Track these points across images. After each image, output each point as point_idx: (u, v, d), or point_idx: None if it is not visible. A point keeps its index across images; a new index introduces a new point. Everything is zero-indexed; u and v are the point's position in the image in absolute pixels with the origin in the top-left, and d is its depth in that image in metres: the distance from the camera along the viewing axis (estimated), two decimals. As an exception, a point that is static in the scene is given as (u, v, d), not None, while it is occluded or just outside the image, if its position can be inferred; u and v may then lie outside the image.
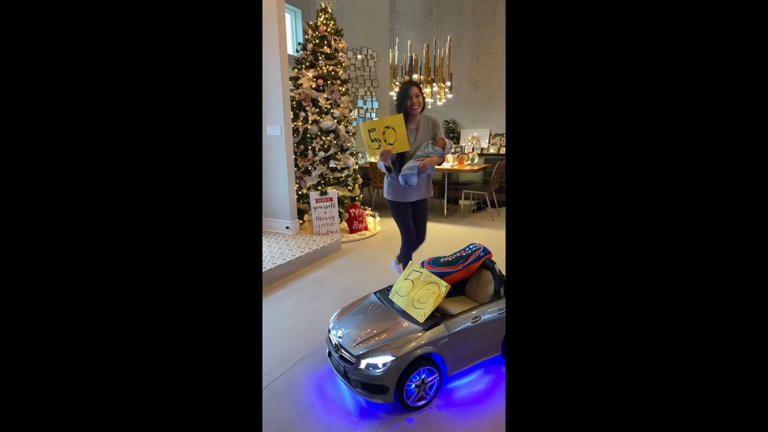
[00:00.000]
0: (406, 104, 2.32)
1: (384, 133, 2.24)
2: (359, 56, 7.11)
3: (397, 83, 5.92)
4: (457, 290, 2.11)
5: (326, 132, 4.17)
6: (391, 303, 1.91)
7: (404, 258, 2.64)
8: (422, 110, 2.44)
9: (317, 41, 4.17)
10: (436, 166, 2.53)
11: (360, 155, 5.31)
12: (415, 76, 5.66)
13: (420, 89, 2.38)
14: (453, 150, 2.54)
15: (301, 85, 4.12)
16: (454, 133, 7.11)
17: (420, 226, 2.68)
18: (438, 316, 1.78)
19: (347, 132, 4.36)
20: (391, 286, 2.04)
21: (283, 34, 3.61)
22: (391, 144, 2.25)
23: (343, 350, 1.70)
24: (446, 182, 5.34)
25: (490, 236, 4.17)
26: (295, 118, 4.09)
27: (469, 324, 1.76)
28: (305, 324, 2.38)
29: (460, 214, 5.26)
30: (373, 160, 2.79)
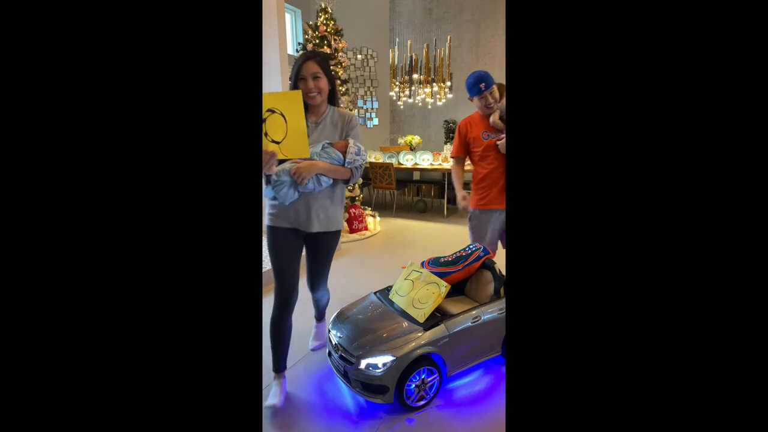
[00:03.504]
0: (299, 89, 1.46)
1: (265, 121, 1.36)
2: (359, 56, 7.11)
3: (397, 83, 5.92)
4: (457, 290, 2.11)
5: (326, 132, 4.15)
6: (391, 303, 1.91)
7: (272, 325, 1.62)
8: (331, 101, 1.60)
9: (317, 41, 4.16)
10: (340, 180, 1.57)
11: None
12: (415, 76, 5.66)
13: (323, 66, 1.49)
14: (364, 158, 1.57)
15: (301, 85, 4.11)
16: (453, 133, 7.11)
17: (316, 276, 1.75)
18: (438, 316, 1.78)
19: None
20: (391, 286, 2.04)
21: (283, 34, 3.61)
22: (277, 142, 1.34)
23: (343, 350, 1.70)
24: (446, 182, 5.34)
25: (490, 236, 4.16)
26: (295, 118, 4.07)
27: (469, 324, 1.76)
28: (305, 324, 2.38)
29: (460, 214, 5.26)
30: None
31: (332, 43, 4.22)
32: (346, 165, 1.51)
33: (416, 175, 6.21)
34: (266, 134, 1.35)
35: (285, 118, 1.33)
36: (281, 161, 1.45)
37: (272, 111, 1.33)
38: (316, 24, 4.19)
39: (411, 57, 5.57)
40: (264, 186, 1.51)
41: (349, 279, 3.07)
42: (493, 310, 1.83)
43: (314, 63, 1.48)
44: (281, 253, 1.59)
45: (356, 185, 4.53)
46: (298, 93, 1.34)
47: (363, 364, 1.60)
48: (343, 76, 4.36)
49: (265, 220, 1.58)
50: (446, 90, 5.65)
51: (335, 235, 1.69)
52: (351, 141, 1.53)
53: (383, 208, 5.53)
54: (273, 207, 1.56)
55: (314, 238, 1.65)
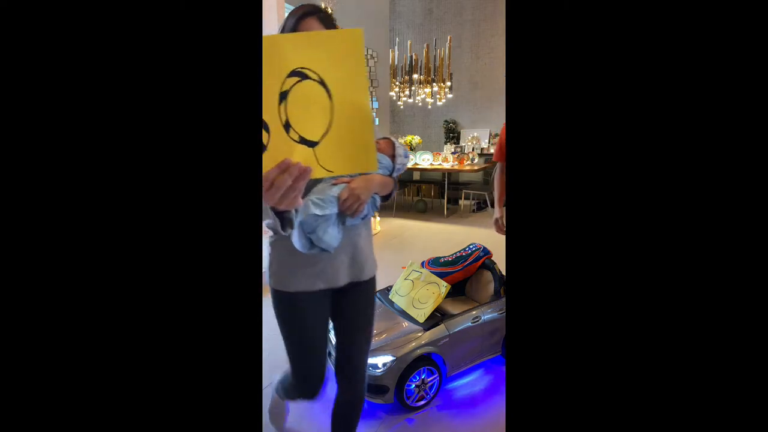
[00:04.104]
0: None
1: (289, 93, 0.53)
2: (359, 56, 7.09)
3: (398, 83, 5.90)
4: (457, 290, 2.11)
5: (326, 132, 4.15)
6: (391, 303, 1.91)
7: (286, 389, 1.30)
8: None
9: (317, 41, 4.15)
10: (378, 195, 1.00)
11: None
12: (415, 76, 5.65)
13: (328, 27, 0.94)
14: (408, 160, 1.00)
15: (301, 85, 4.10)
16: (453, 133, 7.11)
17: (357, 345, 1.14)
18: (438, 316, 1.78)
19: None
20: (391, 286, 2.04)
21: (283, 34, 3.60)
22: (312, 143, 0.54)
23: (343, 350, 1.70)
24: (446, 182, 5.34)
25: (490, 236, 4.16)
26: (295, 118, 4.06)
27: (469, 324, 1.76)
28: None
29: (460, 214, 5.27)
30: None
31: (332, 43, 4.21)
32: (394, 174, 1.03)
33: (416, 175, 6.21)
34: (288, 125, 0.57)
35: (329, 91, 0.56)
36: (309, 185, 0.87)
37: (303, 75, 0.56)
38: (316, 24, 4.18)
39: (411, 57, 5.57)
40: (281, 229, 0.69)
41: (349, 279, 3.07)
42: (493, 310, 1.83)
43: (317, 21, 0.91)
44: (314, 329, 1.07)
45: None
46: (359, 32, 0.58)
47: (363, 364, 1.60)
48: (343, 76, 4.34)
49: (274, 284, 1.01)
50: (446, 90, 5.65)
51: (368, 288, 1.13)
52: (395, 140, 1.04)
53: (383, 208, 5.53)
54: (281, 256, 1.00)
55: (357, 291, 1.09)
